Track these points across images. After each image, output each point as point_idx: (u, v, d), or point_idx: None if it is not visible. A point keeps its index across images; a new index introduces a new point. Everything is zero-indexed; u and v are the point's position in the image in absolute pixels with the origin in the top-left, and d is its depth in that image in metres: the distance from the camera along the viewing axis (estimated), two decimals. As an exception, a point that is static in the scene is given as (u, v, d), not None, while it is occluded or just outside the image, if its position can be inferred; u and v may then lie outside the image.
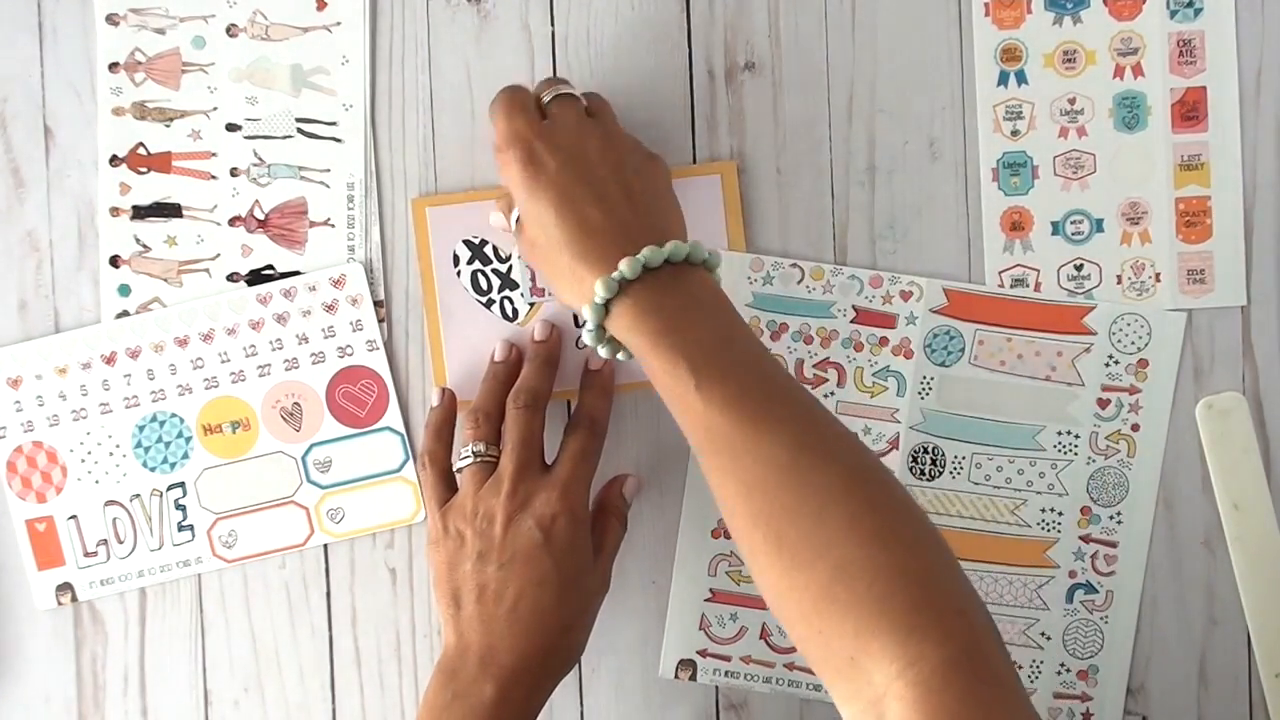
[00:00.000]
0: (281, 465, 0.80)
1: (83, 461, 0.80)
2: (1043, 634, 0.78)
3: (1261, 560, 0.78)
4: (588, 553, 0.72)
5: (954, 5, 0.79)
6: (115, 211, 0.80)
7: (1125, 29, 0.78)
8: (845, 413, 0.78)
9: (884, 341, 0.78)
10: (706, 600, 0.79)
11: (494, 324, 0.79)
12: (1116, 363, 0.77)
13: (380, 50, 0.80)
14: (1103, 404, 0.78)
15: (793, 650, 0.78)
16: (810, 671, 0.76)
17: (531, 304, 0.79)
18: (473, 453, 0.74)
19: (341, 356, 0.80)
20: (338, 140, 0.80)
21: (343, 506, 0.80)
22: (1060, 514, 0.78)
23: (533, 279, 0.79)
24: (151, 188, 0.80)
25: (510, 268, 0.79)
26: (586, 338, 0.68)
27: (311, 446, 0.80)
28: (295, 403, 0.80)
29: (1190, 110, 0.78)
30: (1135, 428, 0.78)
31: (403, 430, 0.80)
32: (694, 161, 0.79)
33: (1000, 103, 0.79)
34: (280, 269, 0.80)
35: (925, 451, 0.78)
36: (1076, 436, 0.78)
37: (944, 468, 0.78)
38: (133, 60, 0.80)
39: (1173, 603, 0.79)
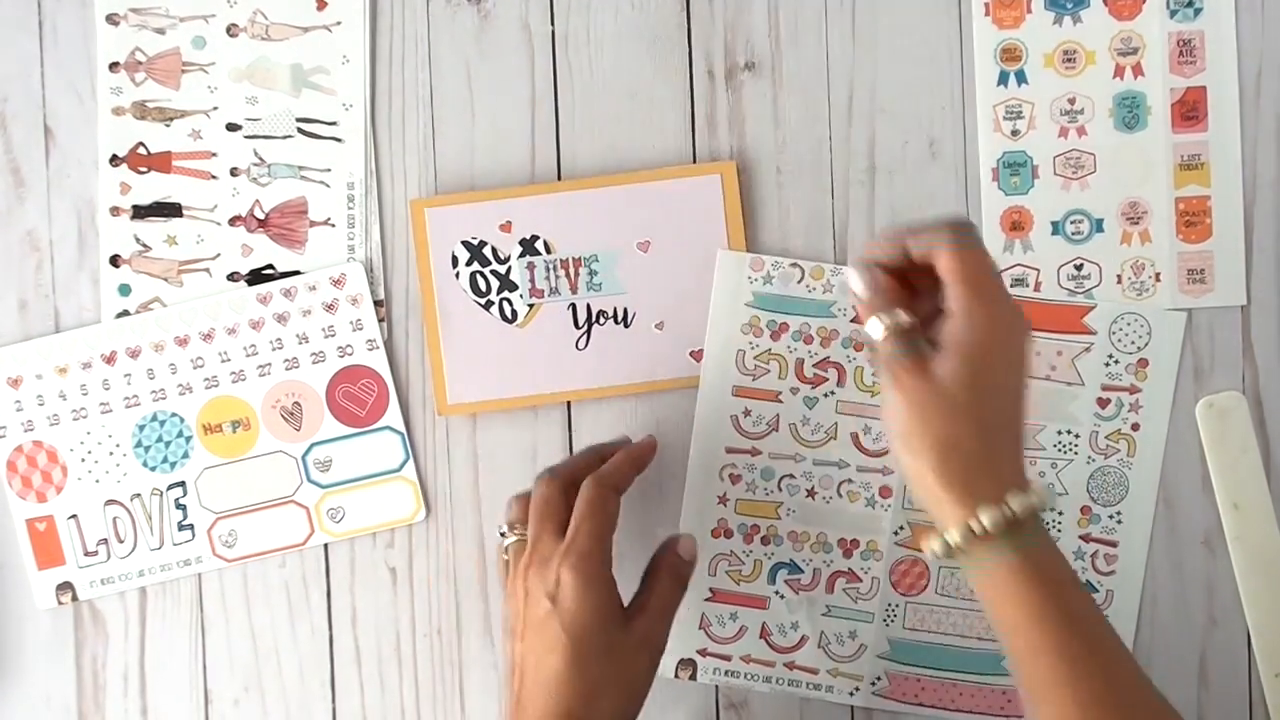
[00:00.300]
0: (281, 465, 0.80)
1: (83, 461, 0.80)
2: None
3: (1261, 560, 0.78)
4: (608, 612, 0.68)
5: (954, 5, 0.79)
6: (115, 211, 0.80)
7: (1125, 29, 0.78)
8: (846, 412, 0.78)
9: None
10: (706, 600, 0.79)
11: (492, 325, 0.79)
12: (1116, 362, 0.77)
13: (380, 50, 0.80)
14: (1103, 403, 0.77)
15: (793, 649, 0.78)
16: (811, 670, 0.77)
17: (530, 305, 0.79)
18: (500, 533, 0.74)
19: (341, 356, 0.80)
20: (338, 140, 0.80)
21: (343, 506, 0.80)
22: (1060, 514, 0.78)
23: (532, 280, 0.79)
24: (151, 187, 0.80)
25: (509, 269, 0.79)
26: (935, 546, 0.62)
27: (311, 446, 0.80)
28: (295, 402, 0.80)
29: (1190, 110, 0.78)
30: (1135, 427, 0.77)
31: (403, 429, 0.80)
32: (694, 161, 0.79)
33: (1000, 103, 0.79)
34: (280, 269, 0.80)
35: None
36: (1076, 436, 0.78)
37: None
38: (133, 60, 0.80)
39: (1173, 602, 0.79)
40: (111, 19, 0.80)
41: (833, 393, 0.78)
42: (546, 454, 0.80)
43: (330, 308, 0.80)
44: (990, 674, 0.78)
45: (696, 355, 0.79)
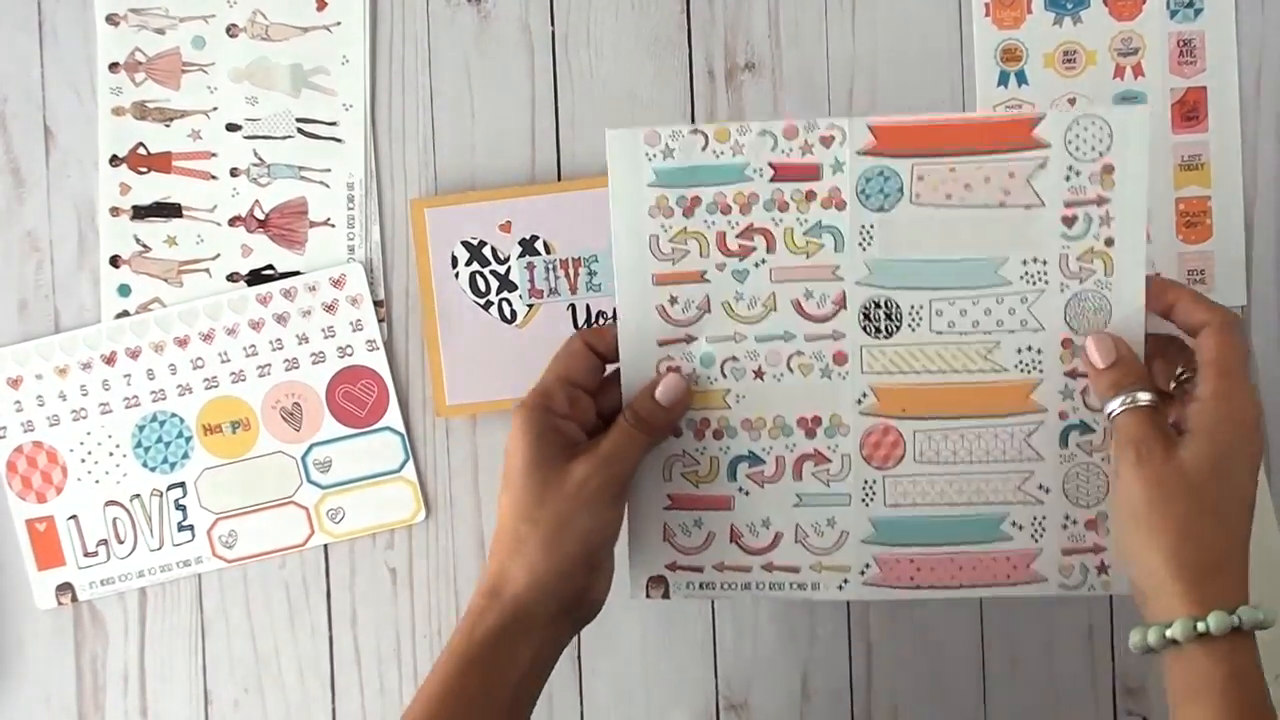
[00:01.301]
0: (281, 465, 0.80)
1: (83, 461, 0.80)
2: (1040, 486, 0.70)
3: (1261, 560, 0.77)
4: (540, 458, 0.66)
5: (954, 5, 0.79)
6: (115, 211, 0.80)
7: (1125, 29, 0.78)
8: (782, 279, 0.71)
9: (810, 195, 0.70)
10: (666, 508, 0.72)
11: (492, 325, 0.79)
12: (1078, 173, 0.69)
13: (380, 50, 0.80)
14: (1068, 221, 0.69)
15: (768, 549, 0.72)
16: (792, 569, 0.72)
17: (530, 305, 0.79)
18: None
19: (341, 356, 0.80)
20: (338, 140, 0.80)
21: (343, 506, 0.80)
22: (1039, 351, 0.70)
23: (531, 280, 0.79)
24: (151, 188, 0.80)
25: (509, 269, 0.79)
26: (1150, 638, 0.61)
27: (311, 446, 0.80)
28: (295, 403, 0.80)
29: (1190, 110, 0.78)
30: (1109, 242, 0.69)
31: (403, 430, 0.80)
32: (694, 161, 0.79)
33: (1000, 103, 0.79)
34: (280, 269, 0.80)
35: (877, 306, 0.70)
36: (1044, 263, 0.69)
37: (900, 321, 0.70)
38: (133, 60, 0.80)
39: (1173, 603, 0.79)
40: (111, 19, 0.80)
41: (763, 261, 0.71)
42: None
43: (330, 308, 0.80)
44: (990, 540, 0.71)
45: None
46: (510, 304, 0.79)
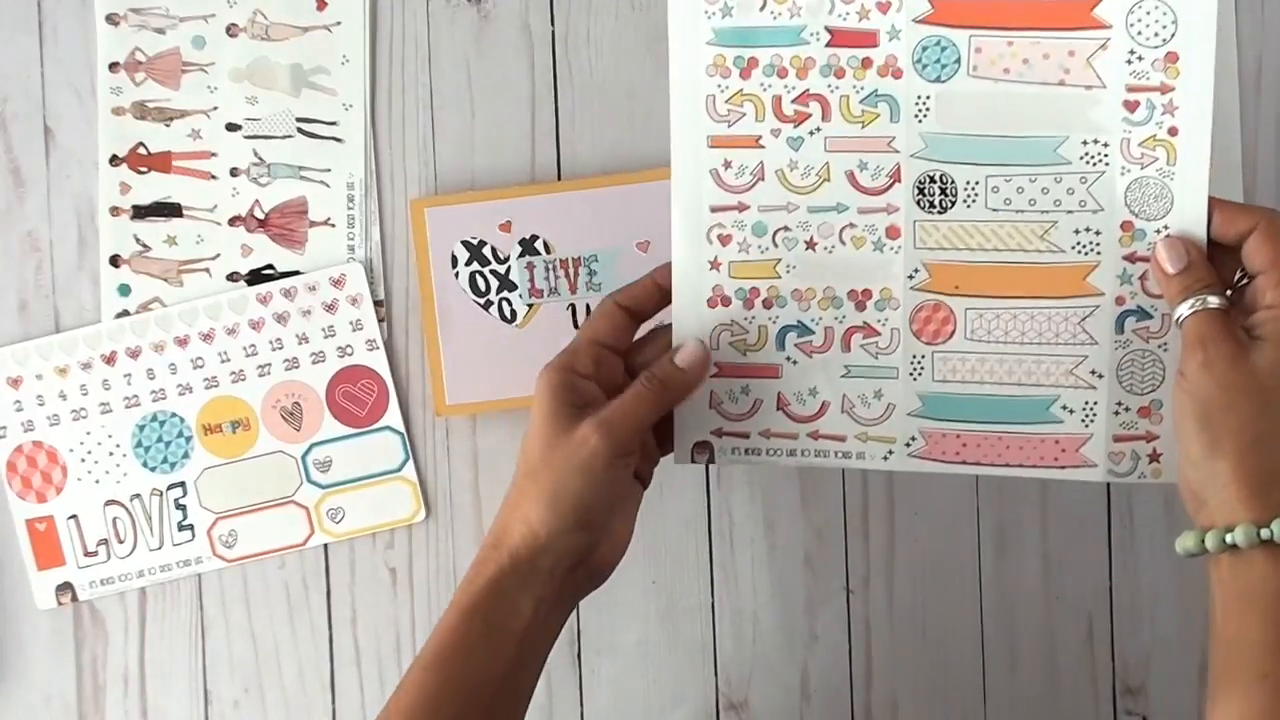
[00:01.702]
0: (281, 465, 0.80)
1: (83, 461, 0.80)
2: (1093, 372, 0.69)
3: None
4: (554, 417, 0.66)
5: None
6: (115, 211, 0.80)
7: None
8: (837, 148, 0.70)
9: (868, 63, 0.69)
10: (714, 376, 0.71)
11: (492, 325, 0.79)
12: (1140, 59, 0.67)
13: (380, 50, 0.80)
14: (1131, 106, 0.67)
15: (814, 417, 0.72)
16: (838, 437, 0.72)
17: (530, 305, 0.79)
18: None
19: (341, 356, 0.80)
20: (338, 140, 0.80)
21: (343, 506, 0.80)
22: (1098, 233, 0.68)
23: (531, 279, 0.79)
24: (151, 187, 0.80)
25: (509, 269, 0.79)
26: (1209, 541, 0.61)
27: (311, 446, 0.80)
28: (295, 402, 0.80)
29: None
30: (1173, 131, 0.67)
31: (403, 430, 0.80)
32: (694, 161, 0.79)
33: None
34: (280, 269, 0.80)
35: (932, 180, 0.69)
36: (1105, 145, 0.68)
37: (956, 196, 0.69)
38: (133, 60, 0.80)
39: (1173, 603, 0.79)
40: (111, 19, 0.80)
41: (819, 129, 0.70)
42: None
43: (330, 308, 0.80)
44: (1039, 422, 0.70)
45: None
46: (510, 304, 0.79)
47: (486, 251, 0.79)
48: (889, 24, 0.69)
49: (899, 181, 0.69)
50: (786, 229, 0.70)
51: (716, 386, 0.72)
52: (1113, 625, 0.79)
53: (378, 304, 0.80)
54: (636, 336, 0.71)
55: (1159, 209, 0.68)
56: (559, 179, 0.80)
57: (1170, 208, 0.67)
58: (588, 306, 0.79)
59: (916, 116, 0.69)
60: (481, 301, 0.79)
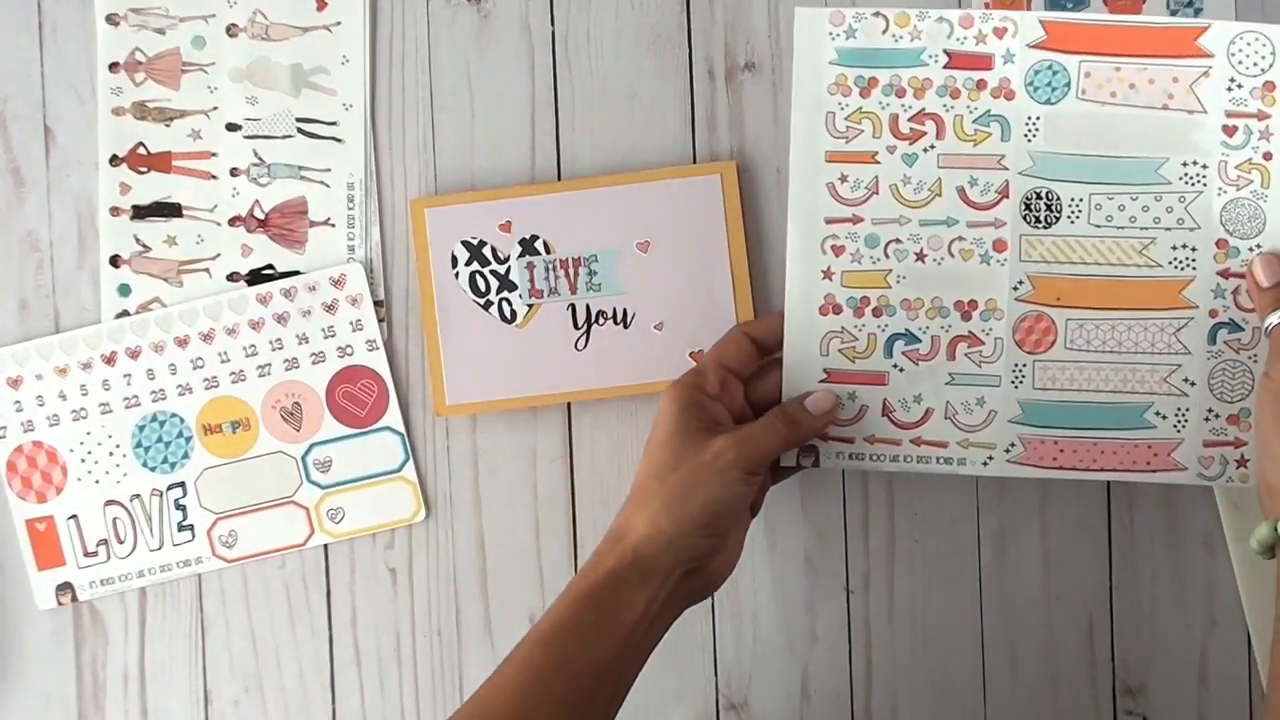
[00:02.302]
0: (281, 465, 0.80)
1: (83, 461, 0.80)
2: (1186, 380, 0.73)
3: (1261, 560, 0.78)
4: (684, 433, 0.69)
5: (954, 6, 0.79)
6: (115, 211, 0.80)
7: (1127, 28, 0.78)
8: (949, 165, 0.74)
9: (982, 85, 0.73)
10: (822, 382, 0.75)
11: (492, 325, 0.79)
12: (1240, 86, 0.72)
13: (380, 50, 0.80)
14: (1229, 131, 0.72)
15: (918, 424, 0.75)
16: (940, 444, 0.74)
17: (530, 305, 0.79)
18: None
19: (341, 356, 0.80)
20: (338, 140, 0.80)
21: (343, 506, 0.80)
22: (1194, 250, 0.73)
23: (531, 280, 0.79)
24: (151, 188, 0.80)
25: (509, 269, 0.79)
26: (1264, 532, 0.66)
27: (311, 446, 0.80)
28: (295, 403, 0.80)
29: (1192, 110, 0.78)
30: (1268, 156, 0.72)
31: (403, 430, 0.80)
32: (694, 161, 0.79)
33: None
34: (280, 269, 0.80)
35: (1039, 197, 0.73)
36: (1204, 167, 0.72)
37: (1060, 212, 0.73)
38: (133, 60, 0.80)
39: (1173, 603, 0.79)
40: (111, 19, 0.80)
41: (932, 146, 0.74)
42: (546, 454, 0.80)
43: (330, 308, 0.80)
44: (1133, 428, 0.73)
45: (696, 356, 0.79)
46: (510, 304, 0.79)
47: (486, 251, 0.79)
48: (1004, 49, 0.73)
49: (1007, 198, 0.73)
50: (898, 241, 0.74)
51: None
52: (1113, 625, 0.79)
53: (378, 304, 0.80)
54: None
55: (1252, 228, 0.72)
56: (559, 179, 0.80)
57: (1263, 228, 0.72)
58: (588, 306, 0.79)
59: (1026, 136, 0.73)
60: (481, 301, 0.79)
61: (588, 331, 0.79)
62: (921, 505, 0.80)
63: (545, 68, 0.80)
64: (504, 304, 0.79)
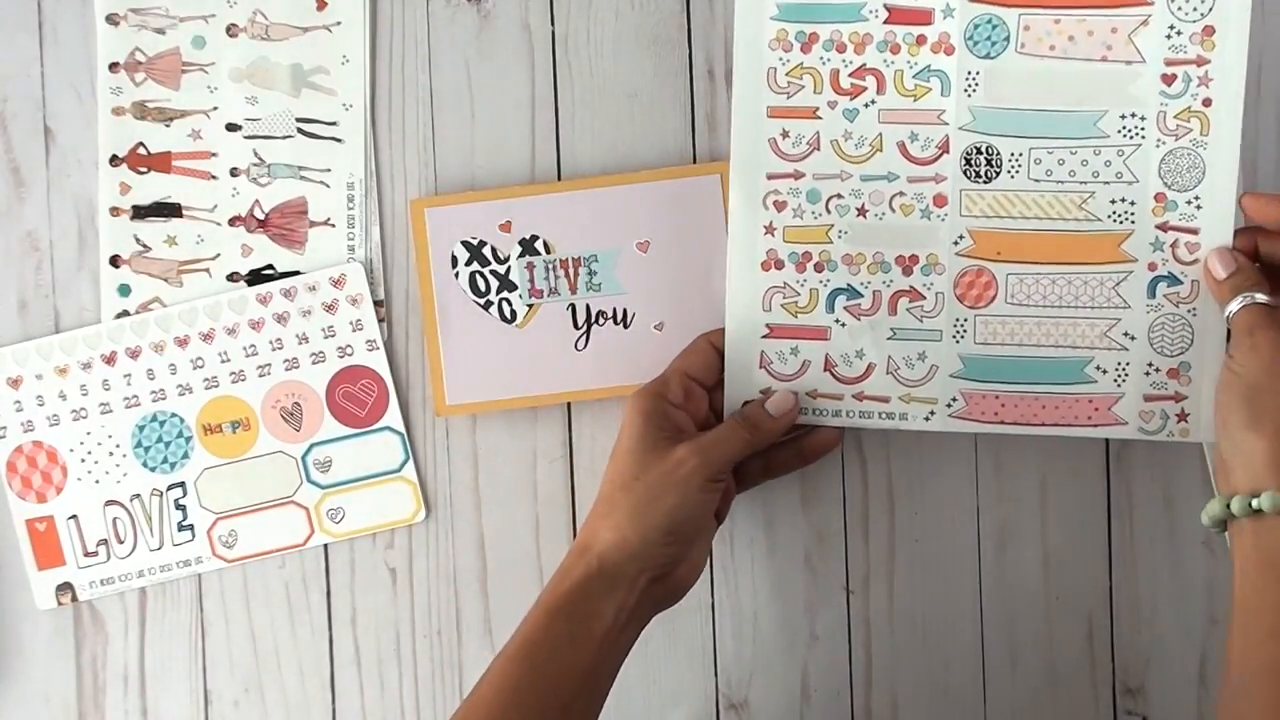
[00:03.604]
0: (281, 465, 0.80)
1: (83, 461, 0.80)
2: (1126, 334, 0.74)
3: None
4: (647, 442, 0.70)
5: (954, 5, 0.79)
6: (115, 211, 0.80)
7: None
8: (889, 120, 0.74)
9: (921, 40, 0.73)
10: (764, 337, 0.75)
11: (492, 325, 0.79)
12: (1179, 33, 0.72)
13: (380, 50, 0.80)
14: (1168, 80, 0.72)
15: (860, 379, 0.75)
16: (882, 399, 0.75)
17: (530, 305, 0.79)
18: None
19: (341, 356, 0.80)
20: (338, 140, 0.80)
21: (343, 506, 0.80)
22: (1132, 204, 0.73)
23: (531, 280, 0.79)
24: (151, 188, 0.80)
25: (509, 269, 0.79)
26: (1235, 506, 0.65)
27: (311, 446, 0.80)
28: (295, 403, 0.80)
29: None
30: (1207, 103, 0.72)
31: (402, 430, 0.80)
32: (694, 161, 0.79)
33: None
34: (280, 269, 0.80)
35: (979, 152, 0.74)
36: (1142, 119, 0.73)
37: (1000, 167, 0.74)
38: (133, 60, 0.80)
39: (1173, 603, 0.79)
40: (111, 19, 0.80)
41: (873, 102, 0.74)
42: (546, 454, 0.80)
43: (330, 308, 0.80)
44: (1074, 383, 0.74)
45: (696, 355, 0.79)
46: (510, 304, 0.79)
47: (486, 251, 0.79)
48: (943, 3, 0.73)
49: (947, 153, 0.74)
50: (839, 196, 0.74)
51: (766, 347, 0.75)
52: (1113, 625, 0.79)
53: (378, 304, 0.80)
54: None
55: (1191, 179, 0.73)
56: (559, 179, 0.80)
57: (1203, 177, 0.72)
58: (588, 306, 0.79)
59: (966, 91, 0.73)
60: (481, 301, 0.79)
61: (588, 331, 0.79)
62: (921, 505, 0.80)
63: (545, 68, 0.80)
64: (504, 304, 0.79)
